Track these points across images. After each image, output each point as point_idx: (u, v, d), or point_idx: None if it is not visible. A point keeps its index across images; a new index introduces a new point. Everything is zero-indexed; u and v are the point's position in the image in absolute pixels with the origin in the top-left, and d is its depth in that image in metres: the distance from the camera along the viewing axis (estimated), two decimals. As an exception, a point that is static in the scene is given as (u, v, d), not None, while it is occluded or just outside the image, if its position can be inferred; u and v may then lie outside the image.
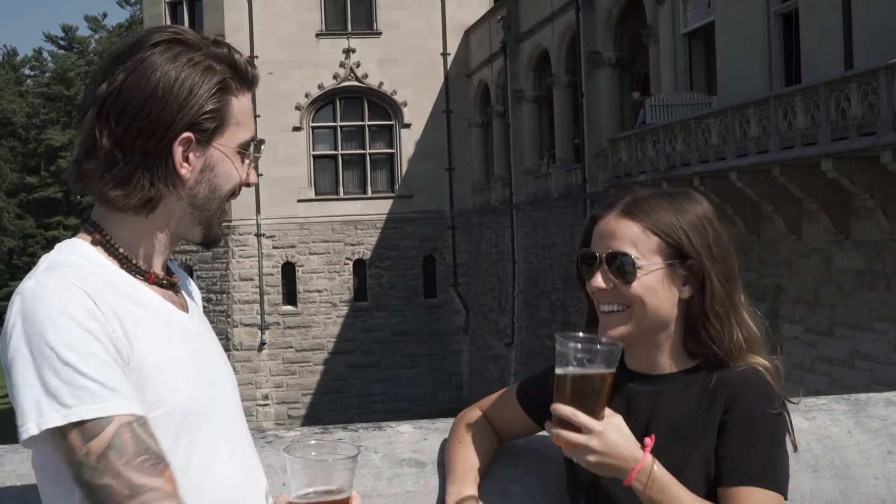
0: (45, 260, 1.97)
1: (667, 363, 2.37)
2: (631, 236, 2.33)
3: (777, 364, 2.37)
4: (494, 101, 43.37)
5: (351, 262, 43.89)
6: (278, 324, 42.93)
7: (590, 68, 33.33)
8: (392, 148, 45.11)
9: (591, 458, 2.16)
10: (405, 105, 44.57)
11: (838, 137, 18.25)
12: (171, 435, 1.92)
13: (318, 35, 43.82)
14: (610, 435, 2.16)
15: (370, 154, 45.01)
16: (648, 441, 2.21)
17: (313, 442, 2.11)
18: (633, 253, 2.31)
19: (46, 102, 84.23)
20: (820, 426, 2.80)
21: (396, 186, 44.73)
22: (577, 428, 2.15)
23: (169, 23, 44.19)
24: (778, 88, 21.97)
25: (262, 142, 2.09)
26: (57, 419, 1.82)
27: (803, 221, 21.07)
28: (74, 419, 1.81)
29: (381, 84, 44.39)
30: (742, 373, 2.31)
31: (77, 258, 1.97)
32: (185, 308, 2.09)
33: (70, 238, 2.03)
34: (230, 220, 41.55)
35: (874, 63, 17.77)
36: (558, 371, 2.18)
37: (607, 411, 2.18)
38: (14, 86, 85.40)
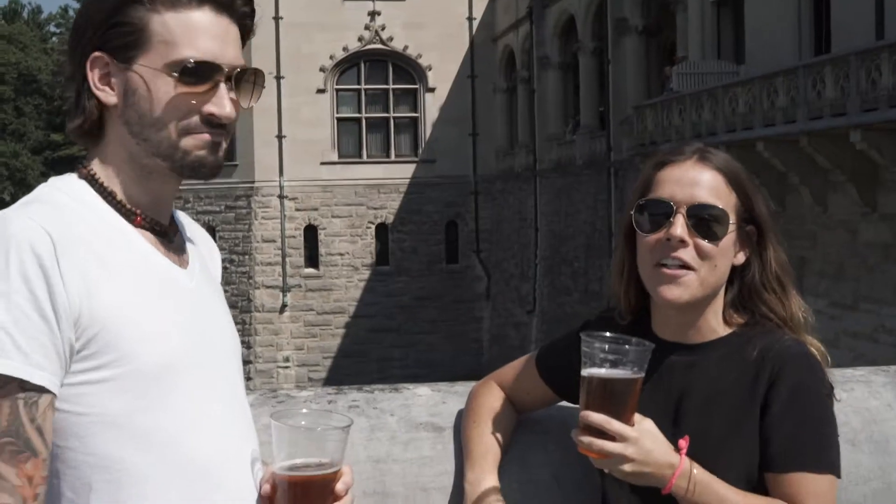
0: (33, 192, 1.84)
1: (703, 332, 2.16)
2: (717, 188, 2.11)
3: (824, 351, 2.16)
4: (520, 66, 42.99)
5: (373, 226, 43.75)
6: (300, 286, 42.86)
7: (616, 35, 33.06)
8: (416, 112, 44.84)
9: (627, 467, 1.99)
10: (430, 69, 44.26)
11: (868, 108, 18.02)
12: (138, 393, 1.74)
13: (343, -3, 43.52)
14: (645, 442, 1.99)
15: (394, 118, 44.75)
16: (683, 443, 2.03)
17: (304, 411, 1.98)
18: (722, 206, 2.10)
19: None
20: (858, 398, 2.64)
21: (420, 151, 44.48)
22: (609, 436, 1.97)
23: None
24: (807, 58, 21.71)
25: (202, 64, 1.80)
26: None
27: (829, 193, 20.85)
28: None
29: (405, 47, 44.09)
30: (789, 345, 2.11)
31: (61, 193, 1.81)
32: (181, 263, 1.91)
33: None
34: (253, 181, 41.55)
35: (907, 33, 17.54)
36: (584, 372, 2.00)
37: (637, 416, 2.00)
38: (39, 43, 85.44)
